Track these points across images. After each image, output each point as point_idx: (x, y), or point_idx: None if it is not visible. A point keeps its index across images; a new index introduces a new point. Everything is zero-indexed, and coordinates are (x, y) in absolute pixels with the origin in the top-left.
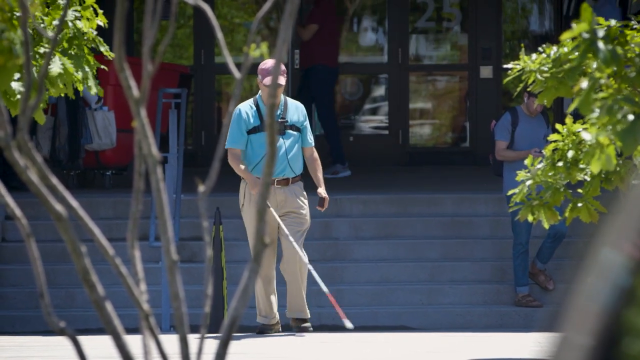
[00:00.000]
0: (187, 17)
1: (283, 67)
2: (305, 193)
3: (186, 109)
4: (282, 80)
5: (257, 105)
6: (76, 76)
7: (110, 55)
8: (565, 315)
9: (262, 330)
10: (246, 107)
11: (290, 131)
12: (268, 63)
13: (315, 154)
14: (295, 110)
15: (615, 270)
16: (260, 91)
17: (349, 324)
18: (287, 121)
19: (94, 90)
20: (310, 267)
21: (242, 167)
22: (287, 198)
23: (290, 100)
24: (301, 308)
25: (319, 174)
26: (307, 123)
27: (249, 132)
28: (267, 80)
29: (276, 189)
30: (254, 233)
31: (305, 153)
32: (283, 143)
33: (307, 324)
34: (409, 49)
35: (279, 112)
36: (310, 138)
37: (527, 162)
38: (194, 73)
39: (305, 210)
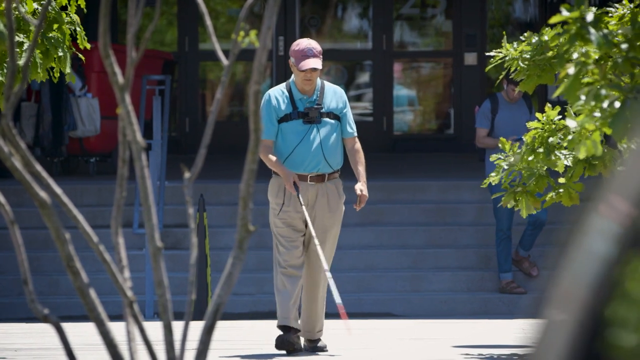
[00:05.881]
0: (170, 4)
1: (319, 48)
2: (343, 193)
3: (170, 95)
4: (319, 64)
5: (289, 91)
6: (52, 63)
7: (85, 45)
8: (548, 302)
9: (283, 341)
10: (277, 93)
11: (327, 119)
12: (302, 44)
13: (358, 145)
14: (334, 96)
15: (601, 241)
16: (293, 75)
17: (349, 332)
18: (322, 107)
19: (67, 70)
20: (329, 275)
21: (274, 158)
22: (318, 198)
23: (327, 84)
24: (312, 328)
25: (360, 168)
26: (347, 110)
27: (280, 120)
28: (304, 64)
29: (308, 186)
30: (281, 235)
31: (346, 144)
32: (317, 133)
33: (322, 343)
34: (393, 36)
35: (314, 97)
36: (351, 127)
37: (505, 147)
38: (178, 60)
39: (337, 214)
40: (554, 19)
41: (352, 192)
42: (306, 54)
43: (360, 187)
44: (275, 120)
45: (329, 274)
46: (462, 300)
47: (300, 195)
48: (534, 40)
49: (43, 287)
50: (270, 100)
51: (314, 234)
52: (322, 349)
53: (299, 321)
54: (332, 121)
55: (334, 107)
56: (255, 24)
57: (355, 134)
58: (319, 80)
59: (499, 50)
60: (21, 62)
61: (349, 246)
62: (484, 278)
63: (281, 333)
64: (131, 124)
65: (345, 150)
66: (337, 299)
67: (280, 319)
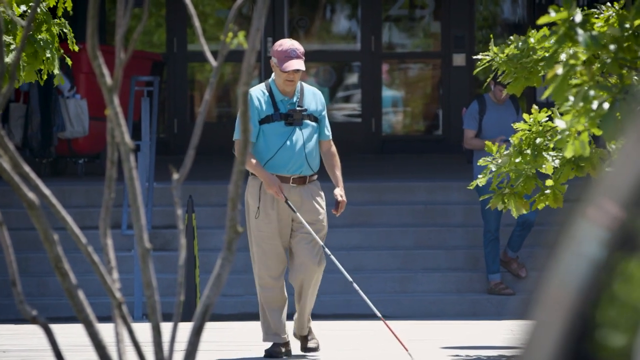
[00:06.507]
0: (158, 5)
1: (302, 49)
2: (322, 194)
3: (158, 97)
4: (302, 65)
5: (270, 91)
6: (40, 65)
7: (74, 48)
8: (536, 303)
9: (272, 353)
10: (258, 93)
11: (308, 121)
12: (285, 44)
13: (334, 148)
14: (313, 98)
15: (590, 243)
16: (273, 75)
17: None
18: (305, 110)
19: (56, 71)
20: (354, 283)
21: (254, 161)
22: (303, 200)
23: (306, 86)
24: (303, 324)
25: (337, 172)
26: (325, 113)
27: (261, 121)
28: (288, 66)
29: (291, 189)
30: (263, 240)
31: (322, 147)
32: (300, 135)
33: (315, 344)
34: (382, 37)
35: (295, 99)
36: (328, 129)
37: (492, 148)
38: (167, 61)
39: (323, 215)
40: (542, 20)
41: (329, 193)
42: (289, 55)
43: (340, 192)
44: (257, 121)
45: (354, 284)
46: (451, 301)
47: (289, 201)
48: (520, 44)
49: (32, 288)
50: (252, 101)
51: (308, 226)
52: (313, 350)
53: (294, 321)
54: (313, 123)
55: (314, 110)
56: (243, 26)
57: (331, 137)
58: (298, 83)
59: (486, 53)
60: (9, 61)
61: (337, 247)
62: (473, 279)
63: (274, 344)
64: (119, 125)
65: (320, 152)
66: (377, 313)
67: (272, 336)
